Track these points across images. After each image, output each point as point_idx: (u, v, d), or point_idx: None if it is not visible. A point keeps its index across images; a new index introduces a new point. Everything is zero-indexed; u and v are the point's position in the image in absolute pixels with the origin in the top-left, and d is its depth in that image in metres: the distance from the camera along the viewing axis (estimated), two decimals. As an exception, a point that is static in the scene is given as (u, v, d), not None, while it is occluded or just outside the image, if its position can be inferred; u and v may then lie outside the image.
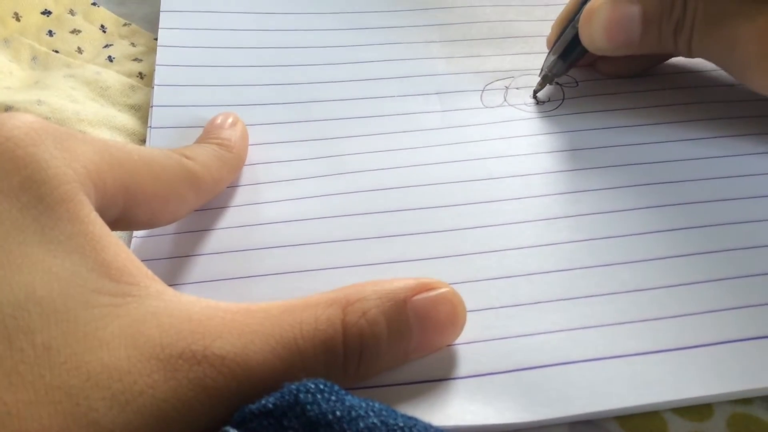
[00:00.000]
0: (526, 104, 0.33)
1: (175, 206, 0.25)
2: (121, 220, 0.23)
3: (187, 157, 0.26)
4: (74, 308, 0.18)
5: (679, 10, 0.29)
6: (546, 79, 0.33)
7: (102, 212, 0.20)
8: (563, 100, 0.33)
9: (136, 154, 0.23)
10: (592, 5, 0.31)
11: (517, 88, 0.34)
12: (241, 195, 0.29)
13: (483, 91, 0.34)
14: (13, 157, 0.19)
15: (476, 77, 0.35)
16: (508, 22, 0.38)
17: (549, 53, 0.33)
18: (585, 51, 0.32)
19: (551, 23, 0.37)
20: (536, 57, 0.36)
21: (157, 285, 0.20)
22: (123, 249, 0.20)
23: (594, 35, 0.31)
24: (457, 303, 0.23)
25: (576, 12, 0.32)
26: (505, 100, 0.34)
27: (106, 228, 0.20)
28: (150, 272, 0.20)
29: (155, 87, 0.34)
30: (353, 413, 0.18)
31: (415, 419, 0.18)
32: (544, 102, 0.33)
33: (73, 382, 0.17)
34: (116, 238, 0.20)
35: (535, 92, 0.34)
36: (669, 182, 0.29)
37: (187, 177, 0.25)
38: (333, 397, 0.18)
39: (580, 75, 0.35)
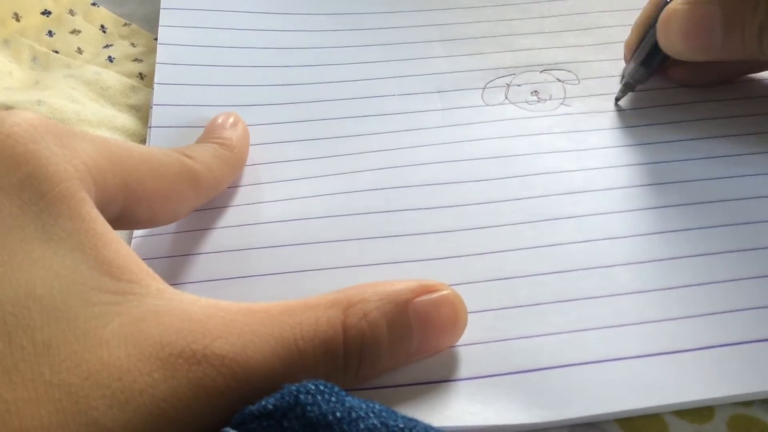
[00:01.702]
0: (527, 102, 0.33)
1: (175, 205, 0.25)
2: (121, 218, 0.23)
3: (187, 156, 0.26)
4: (74, 306, 0.18)
5: (764, 10, 0.27)
6: (628, 86, 0.32)
7: (102, 210, 0.20)
8: (564, 98, 0.33)
9: (136, 152, 0.23)
10: (670, 8, 0.29)
11: (518, 85, 0.34)
12: (241, 195, 0.29)
13: (484, 89, 0.34)
14: (14, 153, 0.19)
15: (477, 75, 0.35)
16: (509, 21, 0.38)
17: (631, 60, 0.32)
18: (668, 56, 0.31)
19: (551, 20, 0.37)
20: (537, 53, 0.36)
21: (157, 283, 0.20)
22: (124, 247, 0.20)
23: (672, 39, 0.29)
24: (458, 305, 0.23)
25: (656, 16, 0.31)
26: (506, 97, 0.34)
27: (107, 225, 0.20)
28: (151, 270, 0.20)
29: (155, 85, 0.34)
30: (353, 414, 0.18)
31: (416, 420, 0.18)
32: (625, 109, 0.32)
33: (72, 381, 0.17)
34: (117, 235, 0.20)
35: (617, 99, 0.33)
36: (670, 182, 0.29)
37: (187, 175, 0.25)
38: (333, 398, 0.18)
39: (581, 73, 0.35)
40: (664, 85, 0.33)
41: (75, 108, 0.33)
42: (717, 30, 0.28)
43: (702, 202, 0.28)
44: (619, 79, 0.34)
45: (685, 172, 0.29)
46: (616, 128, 0.31)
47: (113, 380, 0.17)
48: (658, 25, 0.30)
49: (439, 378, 0.23)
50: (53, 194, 0.19)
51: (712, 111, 0.32)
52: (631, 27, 0.33)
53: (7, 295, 0.17)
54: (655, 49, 0.31)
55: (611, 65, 0.35)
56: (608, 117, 0.32)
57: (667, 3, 0.30)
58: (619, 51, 0.34)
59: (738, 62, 0.31)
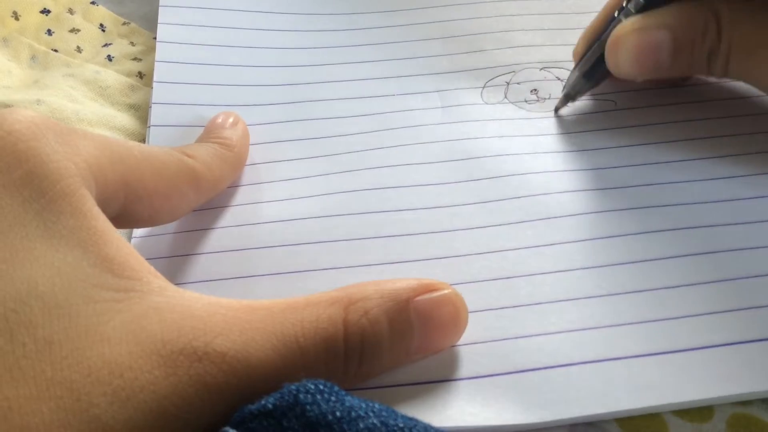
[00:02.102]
0: (526, 101, 0.33)
1: (175, 203, 0.25)
2: (121, 216, 0.23)
3: (188, 155, 0.26)
4: (76, 303, 0.18)
5: (713, 37, 0.28)
6: (568, 97, 0.32)
7: (103, 207, 0.20)
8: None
9: (137, 150, 0.23)
10: (618, 32, 0.29)
11: (518, 83, 0.34)
12: (241, 194, 0.29)
13: (483, 87, 0.34)
14: (15, 151, 0.19)
15: (477, 73, 0.35)
16: (509, 17, 0.38)
17: (573, 70, 0.32)
18: (609, 71, 0.31)
19: (552, 16, 0.37)
20: (537, 49, 0.36)
21: (159, 281, 0.20)
22: (125, 244, 0.20)
23: (621, 62, 0.29)
24: (459, 305, 0.23)
25: (604, 29, 0.31)
26: (505, 96, 0.34)
27: (108, 223, 0.20)
28: (152, 268, 0.20)
29: (155, 84, 0.34)
30: (353, 414, 0.18)
31: (415, 420, 0.18)
32: (564, 117, 0.32)
33: (74, 378, 0.17)
34: (118, 233, 0.20)
35: (557, 109, 0.33)
36: (669, 183, 0.29)
37: (188, 174, 0.25)
38: (333, 398, 0.18)
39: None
40: (654, 86, 0.33)
41: (74, 107, 0.33)
42: (665, 54, 0.28)
43: (701, 202, 0.28)
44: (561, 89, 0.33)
45: (686, 171, 0.29)
46: (616, 128, 0.32)
47: (115, 377, 0.17)
48: (607, 48, 0.30)
49: (439, 377, 0.23)
50: (54, 191, 0.19)
51: (700, 112, 0.32)
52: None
53: (9, 292, 0.17)
54: (599, 63, 0.31)
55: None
56: (608, 116, 0.32)
57: (615, 20, 0.30)
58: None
59: None
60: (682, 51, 0.28)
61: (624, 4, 0.30)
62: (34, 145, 0.19)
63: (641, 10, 0.29)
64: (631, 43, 0.29)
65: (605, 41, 0.30)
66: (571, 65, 0.34)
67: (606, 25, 0.31)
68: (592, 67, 0.31)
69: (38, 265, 0.18)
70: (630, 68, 0.29)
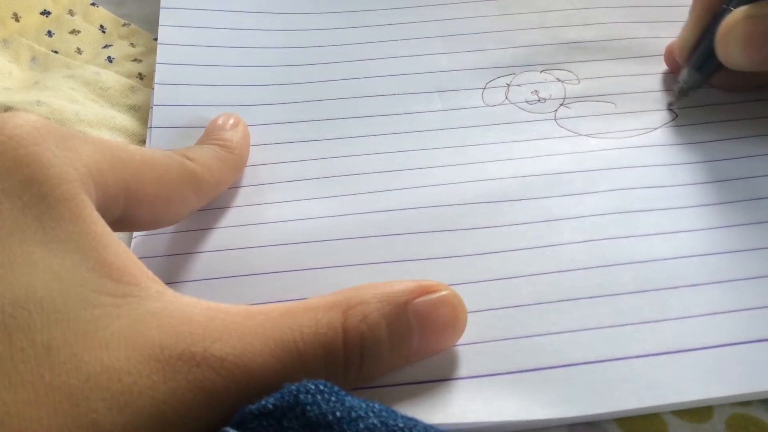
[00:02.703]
0: (527, 102, 0.33)
1: (176, 207, 0.25)
2: (122, 220, 0.23)
3: (188, 158, 0.26)
4: (74, 308, 0.18)
5: None
6: (683, 92, 0.32)
7: (103, 212, 0.20)
8: (564, 99, 0.33)
9: (138, 155, 0.23)
10: (728, 22, 0.29)
11: (518, 85, 0.34)
12: (241, 195, 0.29)
13: (484, 89, 0.34)
14: (15, 155, 0.19)
15: (477, 74, 0.35)
16: (511, 15, 0.38)
17: (685, 65, 0.32)
18: (721, 64, 0.31)
19: (553, 14, 0.37)
20: (538, 49, 0.36)
21: (157, 286, 0.20)
22: (124, 249, 0.20)
23: (732, 53, 0.29)
24: (458, 305, 0.23)
25: (711, 20, 0.31)
26: (506, 97, 0.34)
27: (107, 228, 0.20)
28: (151, 273, 0.20)
29: (156, 85, 0.34)
30: (353, 414, 0.18)
31: (416, 420, 0.18)
32: (677, 115, 0.32)
33: (72, 383, 0.17)
34: (117, 238, 0.20)
35: (670, 105, 0.32)
36: (670, 185, 0.29)
37: (188, 178, 0.25)
38: (333, 398, 0.18)
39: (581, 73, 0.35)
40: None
41: (74, 108, 0.33)
42: None
43: (701, 204, 0.28)
44: (668, 85, 0.33)
45: (684, 174, 0.29)
46: (616, 130, 0.31)
47: (113, 382, 0.17)
48: (718, 38, 0.29)
49: (440, 377, 0.23)
50: (54, 196, 0.19)
51: (719, 114, 0.32)
52: (680, 28, 0.33)
53: (8, 296, 0.17)
54: (711, 55, 0.30)
55: (611, 65, 0.35)
56: (608, 119, 0.32)
57: (724, 11, 0.30)
58: (620, 50, 0.34)
59: None
60: None
61: None
62: (34, 150, 0.19)
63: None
64: (743, 33, 0.28)
65: (716, 35, 0.30)
66: (572, 66, 0.34)
67: (711, 16, 0.31)
68: (705, 61, 0.31)
69: (37, 269, 0.18)
70: (742, 58, 0.29)
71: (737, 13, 0.29)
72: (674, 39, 0.34)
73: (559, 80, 0.34)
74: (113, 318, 0.18)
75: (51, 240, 0.18)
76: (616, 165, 0.30)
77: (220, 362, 0.18)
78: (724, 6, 0.30)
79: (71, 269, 0.18)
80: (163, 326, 0.19)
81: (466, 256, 0.27)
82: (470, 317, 0.23)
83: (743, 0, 0.29)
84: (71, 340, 0.17)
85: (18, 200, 0.18)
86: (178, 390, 0.18)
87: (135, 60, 0.38)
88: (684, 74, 0.32)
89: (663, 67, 0.34)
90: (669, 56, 0.34)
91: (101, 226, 0.20)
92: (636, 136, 0.31)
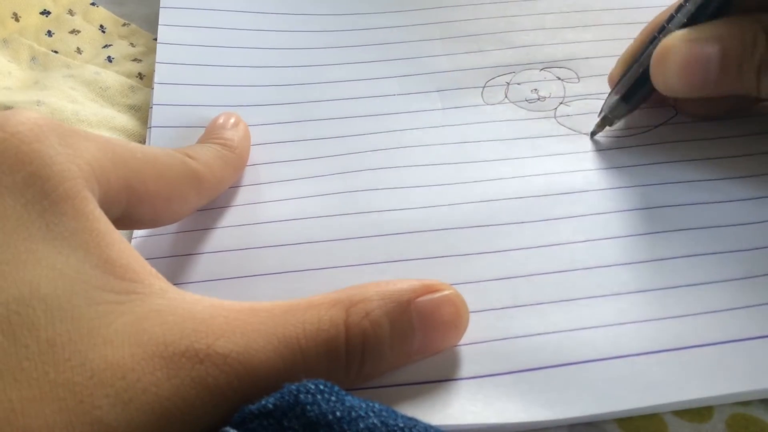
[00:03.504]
0: (527, 101, 0.33)
1: (177, 205, 0.25)
2: (123, 218, 0.23)
3: (189, 157, 0.26)
4: (78, 305, 0.18)
5: (762, 51, 0.27)
6: (606, 120, 0.31)
7: (105, 209, 0.20)
8: (564, 97, 0.33)
9: (139, 153, 0.23)
10: (665, 44, 0.28)
11: (518, 84, 0.34)
12: (242, 195, 0.29)
13: (484, 87, 0.34)
14: (18, 152, 0.19)
15: (477, 73, 0.35)
16: (510, 17, 0.38)
17: (611, 93, 0.31)
18: (650, 92, 0.30)
19: (553, 16, 0.37)
20: (538, 49, 0.36)
21: (160, 283, 0.20)
22: (127, 246, 0.20)
23: (668, 76, 0.28)
24: (460, 305, 0.23)
25: (642, 50, 0.30)
26: (506, 96, 0.34)
27: (110, 225, 0.20)
28: (154, 270, 0.20)
29: (155, 85, 0.34)
30: (353, 414, 0.18)
31: (416, 420, 0.18)
32: (599, 141, 0.31)
33: (77, 380, 0.17)
34: (120, 235, 0.20)
35: (593, 134, 0.31)
36: (670, 183, 0.29)
37: (190, 176, 0.25)
38: (333, 398, 0.18)
39: (581, 71, 0.35)
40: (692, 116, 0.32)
41: (74, 108, 0.33)
42: (713, 68, 0.27)
43: (701, 203, 0.28)
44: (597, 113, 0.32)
45: (684, 172, 0.29)
46: (616, 128, 0.32)
47: (117, 379, 0.17)
48: (653, 61, 0.29)
49: (440, 377, 0.23)
50: (57, 193, 0.19)
51: (705, 132, 0.32)
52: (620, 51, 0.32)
53: (12, 294, 0.17)
54: (638, 83, 0.30)
55: (612, 63, 0.35)
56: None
57: (656, 39, 0.29)
58: (619, 50, 0.34)
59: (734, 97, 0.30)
60: (730, 64, 0.27)
61: (673, 13, 0.29)
62: (37, 147, 0.19)
63: (690, 22, 0.28)
64: (680, 55, 0.28)
65: (645, 61, 0.29)
66: (572, 64, 0.34)
67: (645, 47, 0.30)
68: (632, 89, 0.30)
69: (41, 267, 0.18)
70: (677, 83, 0.28)
71: (676, 36, 0.28)
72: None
73: (559, 79, 0.34)
74: (117, 315, 0.18)
75: (54, 237, 0.18)
76: (615, 163, 0.30)
77: (224, 359, 0.19)
78: (664, 24, 0.29)
79: (75, 266, 0.18)
80: (166, 323, 0.19)
81: (466, 255, 0.27)
82: (470, 317, 0.23)
83: (683, 22, 0.28)
84: (75, 337, 0.17)
85: (21, 197, 0.18)
86: (182, 386, 0.18)
87: (135, 60, 0.38)
88: (608, 102, 0.31)
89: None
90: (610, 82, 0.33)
91: (104, 223, 0.20)
92: (636, 134, 0.31)
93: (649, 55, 0.29)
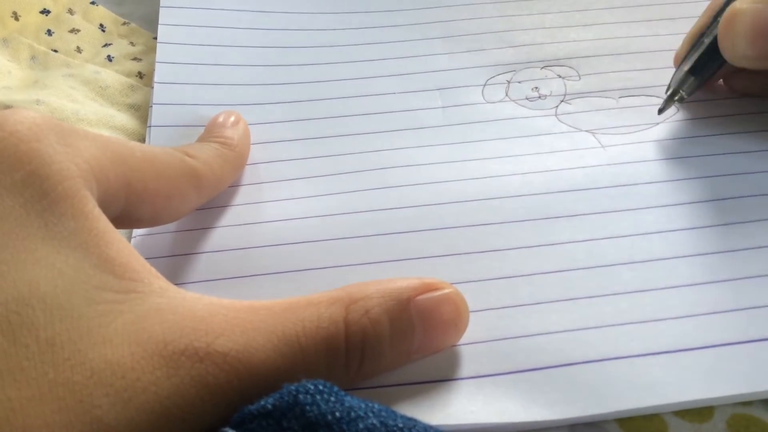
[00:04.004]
0: (528, 99, 0.33)
1: (177, 204, 0.25)
2: (123, 217, 0.23)
3: (189, 155, 0.26)
4: (78, 304, 0.18)
5: None
6: (674, 95, 0.30)
7: (104, 208, 0.20)
8: (565, 95, 0.33)
9: (138, 151, 0.23)
10: (734, 8, 0.27)
11: (519, 82, 0.34)
12: (242, 194, 0.29)
13: (484, 86, 0.34)
14: (17, 152, 0.19)
15: (477, 72, 0.35)
16: (509, 17, 0.38)
17: (678, 68, 0.30)
18: (719, 65, 0.29)
19: (554, 15, 0.37)
20: (538, 48, 0.36)
21: (160, 282, 0.20)
22: (126, 245, 0.20)
23: (737, 42, 0.27)
24: (460, 304, 0.23)
25: (712, 22, 0.29)
26: (506, 94, 0.34)
27: (109, 224, 0.20)
28: (153, 269, 0.20)
29: (155, 84, 0.34)
30: (353, 414, 0.18)
31: (415, 420, 0.18)
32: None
33: (76, 379, 0.17)
34: (119, 234, 0.20)
35: (660, 111, 0.31)
36: (670, 180, 0.29)
37: (189, 175, 0.25)
38: (332, 398, 0.18)
39: (582, 69, 0.35)
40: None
41: (74, 107, 0.33)
42: None
43: (702, 201, 0.28)
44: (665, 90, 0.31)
45: (685, 169, 0.29)
46: (617, 126, 0.32)
47: (117, 378, 0.17)
48: (721, 27, 0.27)
49: (440, 377, 0.23)
50: (56, 193, 0.19)
51: (720, 109, 0.32)
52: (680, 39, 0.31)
53: (11, 293, 0.17)
54: (707, 57, 0.29)
55: (612, 61, 0.35)
56: (609, 114, 0.32)
57: (723, 11, 0.28)
58: (619, 47, 0.34)
59: None
60: None
61: None
62: (36, 147, 0.19)
63: None
64: (749, 21, 0.26)
65: (713, 31, 0.28)
66: (572, 62, 0.34)
67: (712, 20, 0.29)
68: (699, 62, 0.29)
69: (40, 266, 0.18)
70: (746, 48, 0.27)
71: (741, 1, 0.27)
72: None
73: (560, 77, 0.34)
74: (116, 314, 0.18)
75: (53, 236, 0.18)
76: (617, 161, 0.30)
77: (223, 357, 0.18)
78: (720, 10, 0.28)
79: (74, 266, 0.18)
80: (166, 322, 0.19)
81: (466, 254, 0.27)
82: (470, 316, 0.23)
83: None
84: (75, 336, 0.17)
85: (20, 197, 0.18)
86: (182, 385, 0.18)
87: (135, 59, 0.38)
88: (676, 77, 0.31)
89: (663, 63, 0.34)
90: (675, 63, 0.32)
91: (103, 222, 0.20)
92: (637, 132, 0.31)
93: (717, 26, 0.28)
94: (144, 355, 0.18)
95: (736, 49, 0.27)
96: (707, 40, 0.29)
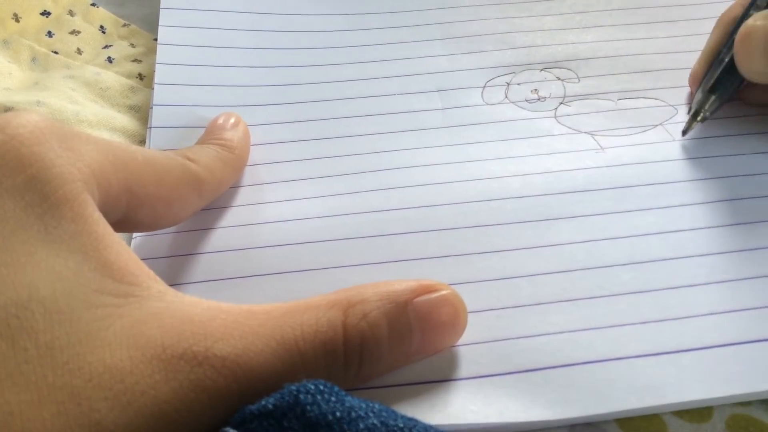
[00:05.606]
0: (527, 101, 0.33)
1: (177, 209, 0.25)
2: (124, 221, 0.23)
3: (189, 160, 0.26)
4: (77, 308, 0.18)
5: None
6: (697, 116, 0.30)
7: (105, 213, 0.20)
8: (564, 97, 0.33)
9: (140, 156, 0.23)
10: (748, 24, 0.27)
11: (518, 84, 0.34)
12: (242, 195, 0.30)
13: (484, 87, 0.34)
14: (18, 155, 0.19)
15: (478, 73, 0.35)
16: (510, 19, 0.38)
17: (698, 89, 0.30)
18: (741, 83, 0.29)
19: (552, 18, 0.37)
20: (538, 49, 0.36)
21: (159, 286, 0.20)
22: (125, 249, 0.20)
23: (753, 59, 0.27)
24: (458, 305, 0.23)
25: (727, 40, 0.29)
26: (506, 96, 0.34)
27: (109, 228, 0.20)
28: (152, 273, 0.20)
29: (156, 86, 0.34)
30: (353, 414, 0.18)
31: (415, 420, 0.18)
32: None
33: (75, 383, 0.17)
34: (119, 238, 0.20)
35: (684, 132, 0.30)
36: (670, 182, 0.29)
37: (190, 180, 0.25)
38: (333, 398, 0.18)
39: (581, 71, 0.35)
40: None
41: (74, 108, 0.33)
42: None
43: (701, 202, 0.28)
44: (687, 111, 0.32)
45: (685, 171, 0.29)
46: (616, 128, 0.32)
47: (115, 382, 0.17)
48: (736, 44, 0.27)
49: (440, 377, 0.23)
50: (57, 196, 0.19)
51: (720, 111, 0.32)
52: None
53: (11, 297, 0.17)
54: (727, 75, 0.29)
55: (611, 63, 0.35)
56: (608, 116, 0.32)
57: (744, 17, 0.28)
58: (618, 49, 0.34)
59: None
60: None
61: (751, 4, 0.28)
62: (37, 150, 0.19)
63: None
64: (763, 37, 0.26)
65: (729, 49, 0.28)
66: (572, 64, 0.34)
67: (728, 37, 0.29)
68: (718, 80, 0.29)
69: (39, 270, 0.18)
70: (762, 65, 0.27)
71: (759, 15, 0.27)
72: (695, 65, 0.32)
73: (559, 79, 0.34)
74: (115, 318, 0.18)
75: (53, 240, 0.18)
76: (616, 162, 0.30)
77: (222, 361, 0.18)
78: (747, 12, 0.28)
79: (74, 269, 0.18)
80: (164, 326, 0.19)
81: (466, 255, 0.27)
82: (470, 317, 0.23)
83: (765, 4, 0.27)
84: (74, 340, 0.17)
85: (21, 200, 0.18)
86: (180, 389, 0.18)
87: (135, 60, 0.38)
88: (696, 97, 0.30)
89: (661, 65, 0.35)
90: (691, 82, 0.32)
91: (103, 226, 0.20)
92: (636, 134, 0.31)
93: (732, 44, 0.28)
94: (143, 359, 0.18)
95: (752, 66, 0.27)
96: (726, 59, 0.29)
